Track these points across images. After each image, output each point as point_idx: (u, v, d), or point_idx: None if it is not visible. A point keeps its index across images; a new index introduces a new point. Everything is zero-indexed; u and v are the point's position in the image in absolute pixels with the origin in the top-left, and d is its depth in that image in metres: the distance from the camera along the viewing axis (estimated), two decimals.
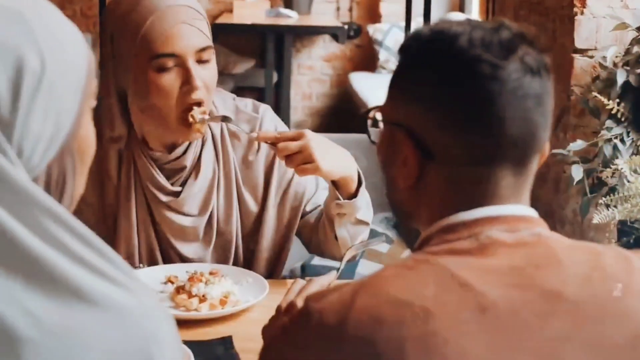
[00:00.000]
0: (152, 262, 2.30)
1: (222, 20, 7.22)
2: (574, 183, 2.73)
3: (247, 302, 2.12)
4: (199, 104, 2.13)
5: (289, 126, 7.06)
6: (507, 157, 1.26)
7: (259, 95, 7.48)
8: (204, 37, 2.15)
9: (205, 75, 2.14)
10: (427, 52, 1.29)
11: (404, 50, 1.34)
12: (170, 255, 2.31)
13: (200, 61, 2.14)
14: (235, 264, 2.35)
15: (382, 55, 7.47)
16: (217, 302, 2.09)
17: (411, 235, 1.37)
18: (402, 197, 1.35)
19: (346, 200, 2.24)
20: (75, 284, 1.00)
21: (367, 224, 2.32)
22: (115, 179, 2.27)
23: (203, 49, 2.14)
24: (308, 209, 2.40)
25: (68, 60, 1.08)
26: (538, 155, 1.30)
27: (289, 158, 2.14)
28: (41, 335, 0.97)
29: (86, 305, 1.00)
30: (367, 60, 7.80)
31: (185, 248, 2.31)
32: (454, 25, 1.28)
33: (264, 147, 2.34)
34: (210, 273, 2.18)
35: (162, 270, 2.26)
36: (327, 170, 2.15)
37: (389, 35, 7.44)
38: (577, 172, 2.72)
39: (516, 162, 1.27)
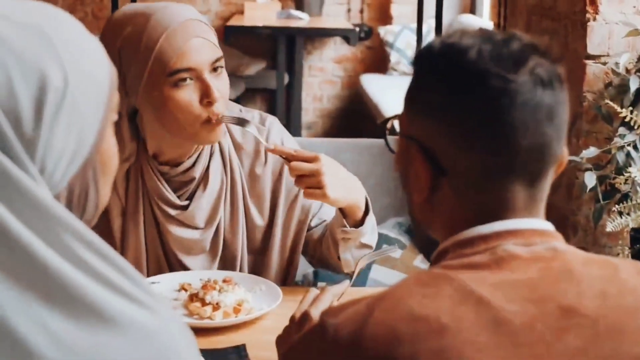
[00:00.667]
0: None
1: (233, 22, 7.22)
2: (587, 190, 2.73)
3: (260, 310, 2.13)
4: (220, 116, 2.15)
5: (300, 128, 7.11)
6: (520, 170, 1.25)
7: (270, 97, 7.51)
8: (216, 48, 2.18)
9: (220, 85, 2.16)
10: (437, 66, 1.29)
11: (415, 62, 1.34)
12: (176, 270, 2.31)
13: (214, 73, 2.17)
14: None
15: (393, 57, 7.47)
16: (231, 310, 2.09)
17: (424, 241, 1.37)
18: (418, 210, 1.35)
19: (352, 228, 2.25)
20: (96, 304, 1.00)
21: (371, 247, 2.33)
22: (123, 197, 2.28)
23: (216, 60, 2.16)
24: (313, 223, 2.42)
25: (90, 75, 1.08)
26: (553, 168, 1.29)
27: (299, 178, 2.15)
28: (62, 355, 0.97)
29: (106, 324, 1.00)
30: (378, 62, 7.80)
31: (191, 261, 2.31)
32: (464, 37, 1.28)
33: (271, 159, 2.35)
34: (224, 281, 2.18)
35: (176, 278, 2.26)
36: (334, 199, 2.16)
37: (400, 37, 7.44)
38: (589, 179, 2.71)
39: (530, 176, 1.26)
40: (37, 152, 1.02)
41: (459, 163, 1.26)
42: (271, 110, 7.34)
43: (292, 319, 1.78)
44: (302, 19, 7.36)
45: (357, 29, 7.42)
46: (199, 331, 2.00)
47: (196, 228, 2.30)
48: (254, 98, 7.65)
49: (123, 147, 2.22)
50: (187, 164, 2.27)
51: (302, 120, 7.44)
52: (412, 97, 1.33)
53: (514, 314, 1.18)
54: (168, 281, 2.25)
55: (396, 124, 1.43)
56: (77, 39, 1.10)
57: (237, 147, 2.35)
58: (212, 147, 2.30)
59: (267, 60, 7.52)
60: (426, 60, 1.32)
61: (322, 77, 7.94)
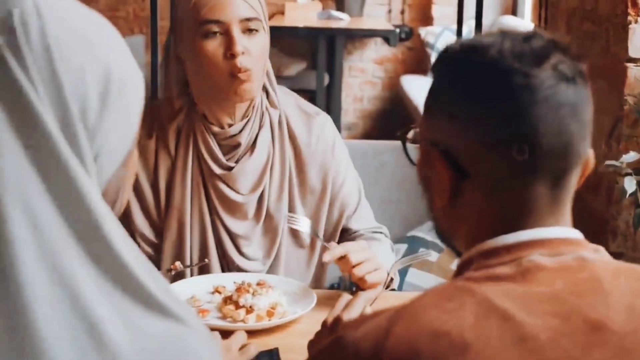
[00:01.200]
0: (202, 234, 2.36)
1: (273, 22, 7.22)
2: (627, 195, 2.70)
3: (294, 313, 2.11)
4: (243, 70, 2.22)
5: (339, 129, 7.09)
6: (544, 170, 1.22)
7: (310, 97, 7.50)
8: (250, 9, 2.25)
9: (250, 44, 2.24)
10: (457, 66, 1.27)
11: (435, 65, 1.32)
12: (219, 230, 2.37)
13: (246, 32, 2.25)
14: (278, 253, 2.40)
15: (434, 58, 7.40)
16: (264, 313, 2.08)
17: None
18: (440, 216, 1.33)
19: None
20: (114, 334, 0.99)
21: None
22: (173, 152, 2.35)
23: (248, 19, 2.25)
24: (351, 226, 2.47)
25: (135, 75, 1.11)
26: (578, 168, 1.26)
27: (358, 267, 2.18)
28: None
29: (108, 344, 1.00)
30: (418, 63, 7.77)
31: (234, 224, 2.36)
32: (484, 37, 1.26)
33: (320, 149, 2.43)
34: (258, 284, 2.18)
35: (210, 280, 2.27)
36: (391, 273, 2.22)
37: (441, 38, 7.40)
38: (629, 184, 2.68)
39: (554, 176, 1.23)
40: (97, 140, 1.04)
41: (480, 164, 1.24)
42: None
43: (324, 323, 1.77)
44: (342, 20, 7.34)
45: (398, 29, 7.39)
46: (232, 334, 2.00)
47: (240, 193, 2.35)
48: None
49: (172, 102, 2.35)
50: (235, 129, 2.33)
51: (342, 121, 7.43)
52: (432, 100, 1.31)
53: (539, 329, 1.14)
54: (202, 283, 2.26)
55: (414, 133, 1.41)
56: (124, 44, 1.12)
57: (290, 128, 2.42)
58: (262, 119, 2.37)
59: (308, 61, 7.51)
60: (446, 62, 1.30)
61: (362, 78, 7.92)
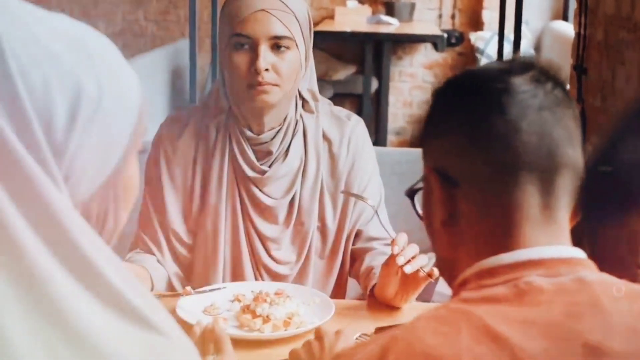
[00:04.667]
0: (234, 235, 2.41)
1: (322, 27, 7.22)
2: None
3: (311, 323, 2.12)
4: (264, 84, 2.28)
5: (386, 134, 7.06)
6: (527, 168, 1.21)
7: (359, 102, 7.50)
8: (282, 27, 2.29)
9: (277, 62, 2.29)
10: (451, 90, 1.30)
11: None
12: (250, 232, 2.41)
13: (276, 50, 2.29)
14: (307, 259, 2.44)
15: (484, 63, 7.37)
16: (281, 323, 2.09)
17: None
18: (442, 241, 1.30)
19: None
20: (97, 337, 0.99)
21: None
22: (211, 151, 2.40)
23: (278, 37, 2.29)
24: (365, 231, 2.48)
25: (122, 96, 1.08)
26: (569, 176, 1.24)
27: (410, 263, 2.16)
28: None
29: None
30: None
31: (264, 226, 2.41)
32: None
33: (352, 153, 2.46)
34: (276, 293, 2.19)
35: (231, 289, 2.28)
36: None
37: (491, 44, 7.34)
38: None
39: (540, 177, 1.22)
40: (65, 159, 1.01)
41: (465, 168, 1.24)
42: (359, 115, 7.31)
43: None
44: (391, 25, 7.33)
45: (445, 35, 7.34)
46: (247, 344, 2.02)
47: (271, 197, 2.40)
48: (342, 103, 7.60)
49: (218, 98, 2.41)
50: (266, 136, 2.39)
51: (389, 126, 7.42)
52: (427, 128, 1.32)
53: (535, 353, 1.12)
54: (223, 291, 2.27)
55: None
56: (114, 61, 1.10)
57: (324, 134, 2.46)
58: (295, 127, 2.42)
59: (357, 65, 7.51)
60: (441, 92, 1.32)
61: (412, 83, 7.89)
